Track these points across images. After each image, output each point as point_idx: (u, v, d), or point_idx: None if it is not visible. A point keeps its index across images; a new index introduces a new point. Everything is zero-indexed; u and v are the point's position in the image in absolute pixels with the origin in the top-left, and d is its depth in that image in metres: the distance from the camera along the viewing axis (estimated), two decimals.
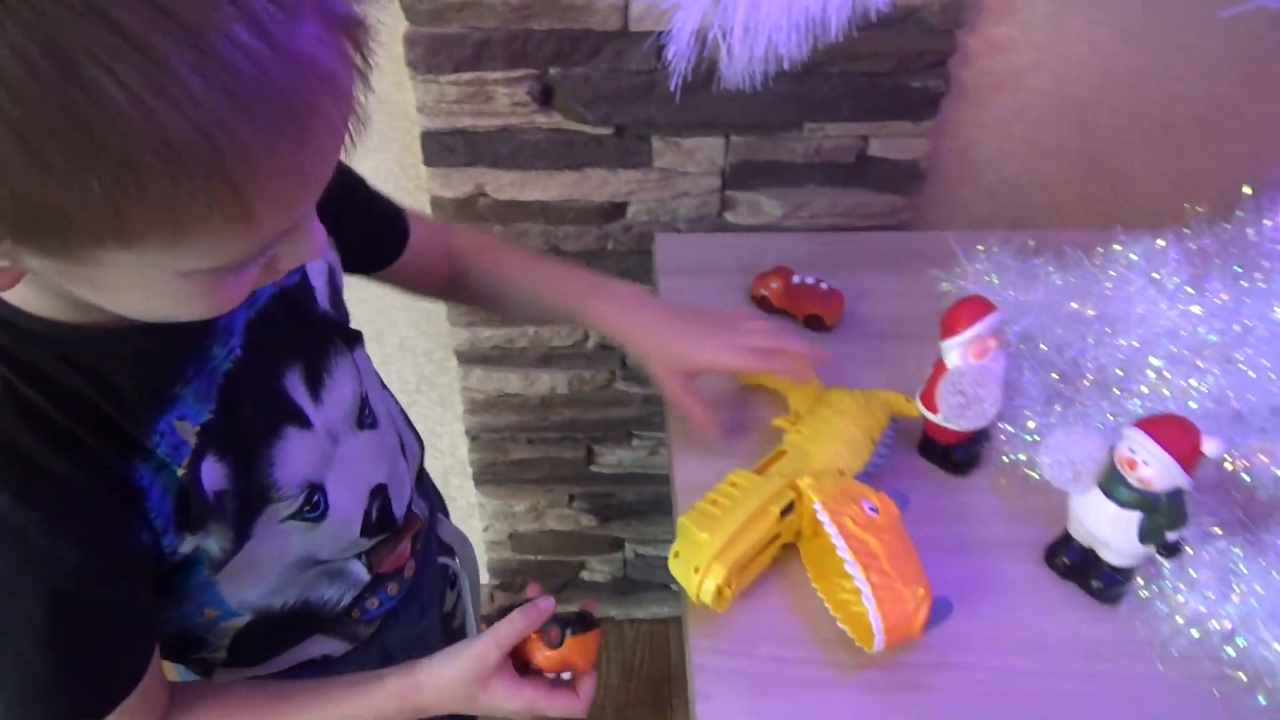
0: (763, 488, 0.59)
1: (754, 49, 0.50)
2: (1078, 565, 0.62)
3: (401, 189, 1.02)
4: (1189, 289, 0.66)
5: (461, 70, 0.91)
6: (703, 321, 0.70)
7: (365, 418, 0.63)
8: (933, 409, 0.66)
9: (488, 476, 1.29)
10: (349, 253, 0.64)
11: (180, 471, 0.49)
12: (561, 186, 1.00)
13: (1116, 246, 0.72)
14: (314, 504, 0.58)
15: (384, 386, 0.70)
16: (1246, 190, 0.75)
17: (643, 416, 1.22)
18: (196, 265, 0.39)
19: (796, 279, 0.81)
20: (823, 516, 0.56)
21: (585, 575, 1.45)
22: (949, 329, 0.64)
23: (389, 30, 0.89)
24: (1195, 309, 0.65)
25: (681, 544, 0.60)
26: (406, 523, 0.68)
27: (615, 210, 1.02)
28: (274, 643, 0.64)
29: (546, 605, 0.58)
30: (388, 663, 0.60)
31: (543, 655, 0.57)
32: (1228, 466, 0.60)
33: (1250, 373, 0.60)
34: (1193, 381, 0.61)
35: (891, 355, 0.78)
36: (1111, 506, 0.57)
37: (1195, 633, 0.57)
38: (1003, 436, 0.69)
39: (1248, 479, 0.60)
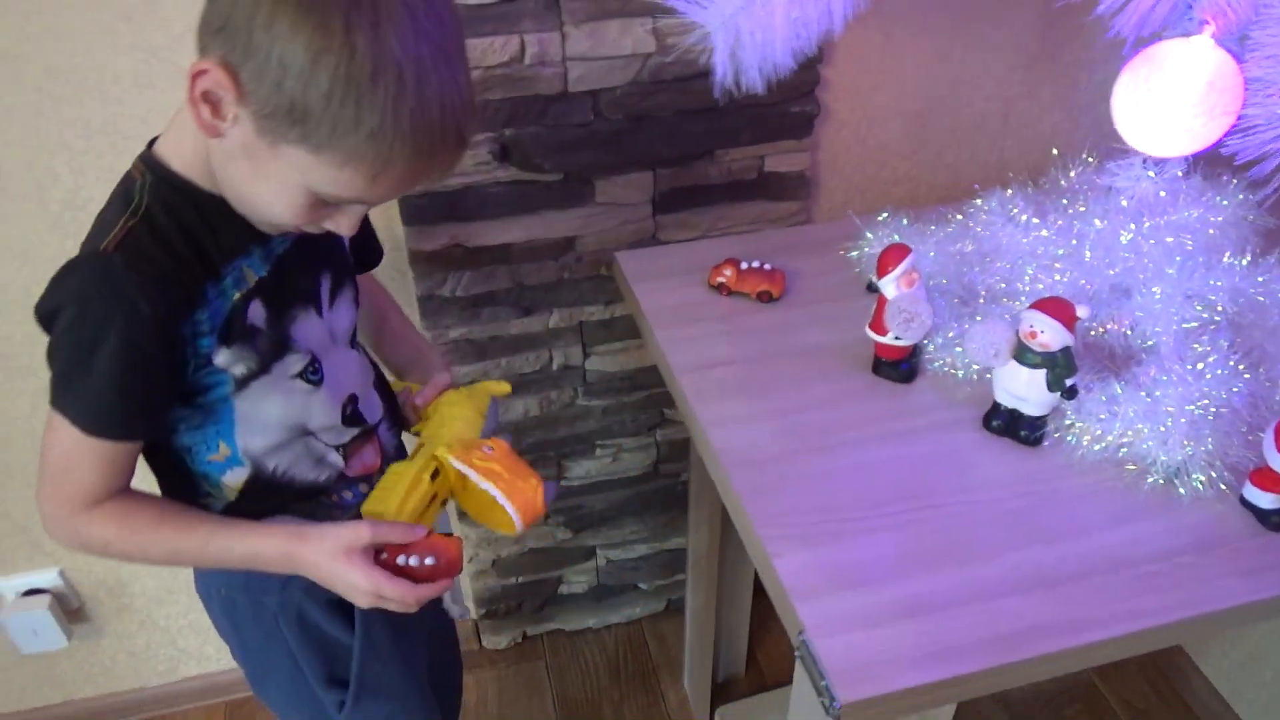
0: (412, 467, 0.78)
1: (759, 68, 0.69)
2: (1006, 424, 0.83)
3: (385, 240, 1.17)
4: (1035, 220, 0.91)
5: None
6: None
7: (353, 343, 0.83)
8: (881, 332, 0.87)
9: None
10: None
11: (236, 297, 0.69)
12: (522, 229, 1.17)
13: (978, 201, 0.97)
14: (315, 369, 0.76)
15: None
16: (1054, 152, 1.02)
17: (604, 427, 1.39)
18: (315, 186, 0.62)
19: (744, 265, 1.02)
20: (456, 463, 0.76)
21: (564, 589, 1.57)
22: (883, 269, 0.85)
23: None
24: (1044, 233, 0.90)
25: (370, 515, 0.76)
26: (373, 433, 0.83)
27: (567, 244, 1.20)
28: (261, 508, 0.77)
29: (420, 532, 0.73)
30: None
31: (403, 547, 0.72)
32: (1093, 333, 0.84)
33: (1091, 267, 0.85)
34: (1056, 278, 0.85)
35: (828, 312, 0.99)
36: (1024, 370, 0.80)
37: (1097, 448, 0.79)
38: (930, 349, 0.91)
39: (1108, 339, 0.84)
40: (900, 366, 0.90)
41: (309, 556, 0.70)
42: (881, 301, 0.87)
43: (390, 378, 0.92)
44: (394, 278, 1.19)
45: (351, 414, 0.81)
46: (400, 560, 0.73)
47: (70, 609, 1.37)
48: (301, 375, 0.75)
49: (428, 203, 1.12)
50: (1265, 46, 0.54)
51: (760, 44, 0.67)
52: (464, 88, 0.62)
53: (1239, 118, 0.59)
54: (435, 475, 0.77)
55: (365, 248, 0.89)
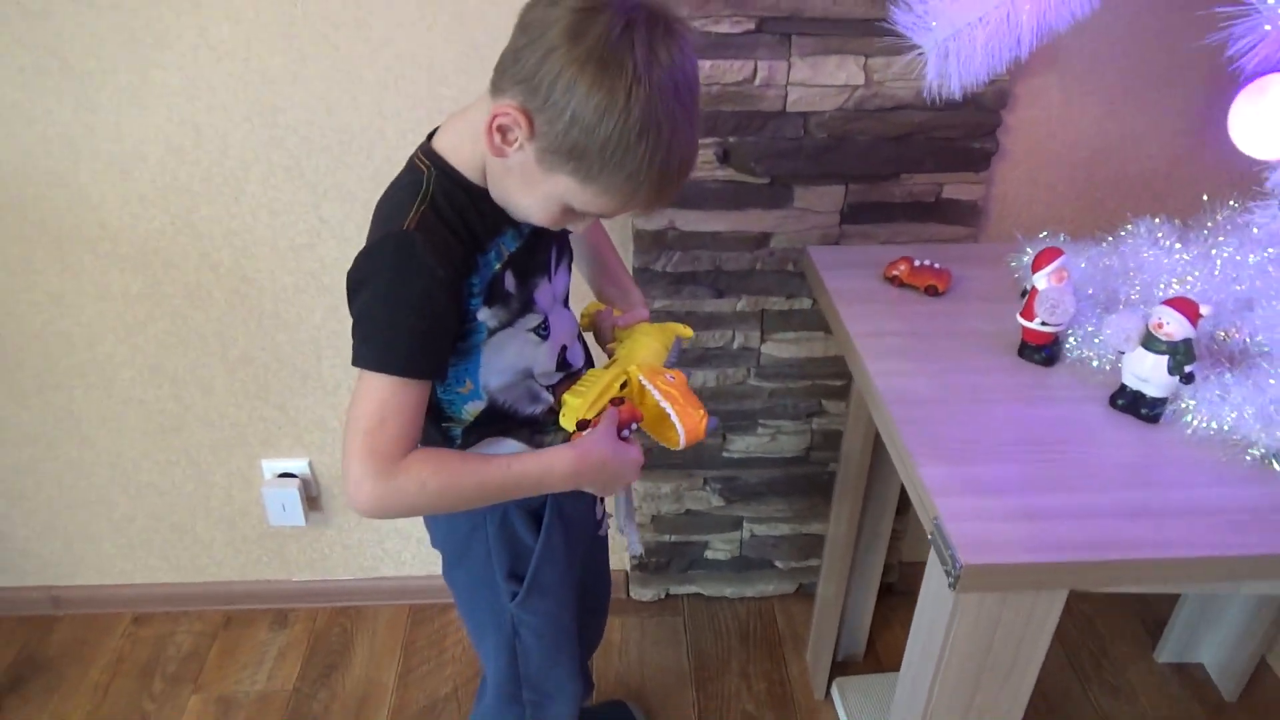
0: (607, 374, 0.98)
1: (960, 82, 0.90)
2: (1130, 402, 0.99)
3: (613, 223, 1.43)
4: (1178, 245, 1.07)
5: None
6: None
7: (565, 304, 1.03)
8: (1029, 318, 1.05)
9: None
10: None
11: (496, 268, 0.88)
12: (728, 221, 1.41)
13: (1128, 226, 1.13)
14: (545, 326, 0.96)
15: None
16: (1205, 197, 1.17)
17: (768, 408, 1.59)
18: (573, 204, 0.83)
19: (917, 262, 1.22)
20: (644, 381, 0.96)
21: (708, 554, 1.77)
22: (1038, 265, 1.03)
23: None
24: (1183, 256, 1.06)
25: (567, 406, 0.96)
26: (576, 376, 1.02)
27: (763, 239, 1.43)
28: (489, 432, 0.97)
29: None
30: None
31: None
32: (1217, 337, 1.00)
33: (1220, 282, 1.00)
34: (1187, 287, 1.01)
35: (985, 308, 1.17)
36: (1150, 356, 0.96)
37: (1207, 426, 0.94)
38: (1071, 342, 1.08)
39: (1229, 344, 0.99)
40: (1043, 351, 1.07)
41: (594, 458, 0.89)
42: (1033, 293, 1.05)
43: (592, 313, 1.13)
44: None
45: (561, 361, 1.01)
46: (623, 433, 0.95)
47: (310, 495, 1.67)
48: (535, 330, 0.95)
49: None
50: None
51: (963, 62, 0.88)
52: (695, 144, 0.83)
53: None
54: (623, 385, 0.99)
55: None
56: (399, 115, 1.33)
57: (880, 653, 1.73)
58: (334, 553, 1.76)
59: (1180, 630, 1.69)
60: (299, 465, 1.64)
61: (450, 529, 1.07)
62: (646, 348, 1.03)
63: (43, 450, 1.59)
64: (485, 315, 0.89)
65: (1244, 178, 1.08)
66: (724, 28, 1.26)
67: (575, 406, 0.95)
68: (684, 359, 1.52)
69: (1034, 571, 0.82)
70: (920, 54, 0.91)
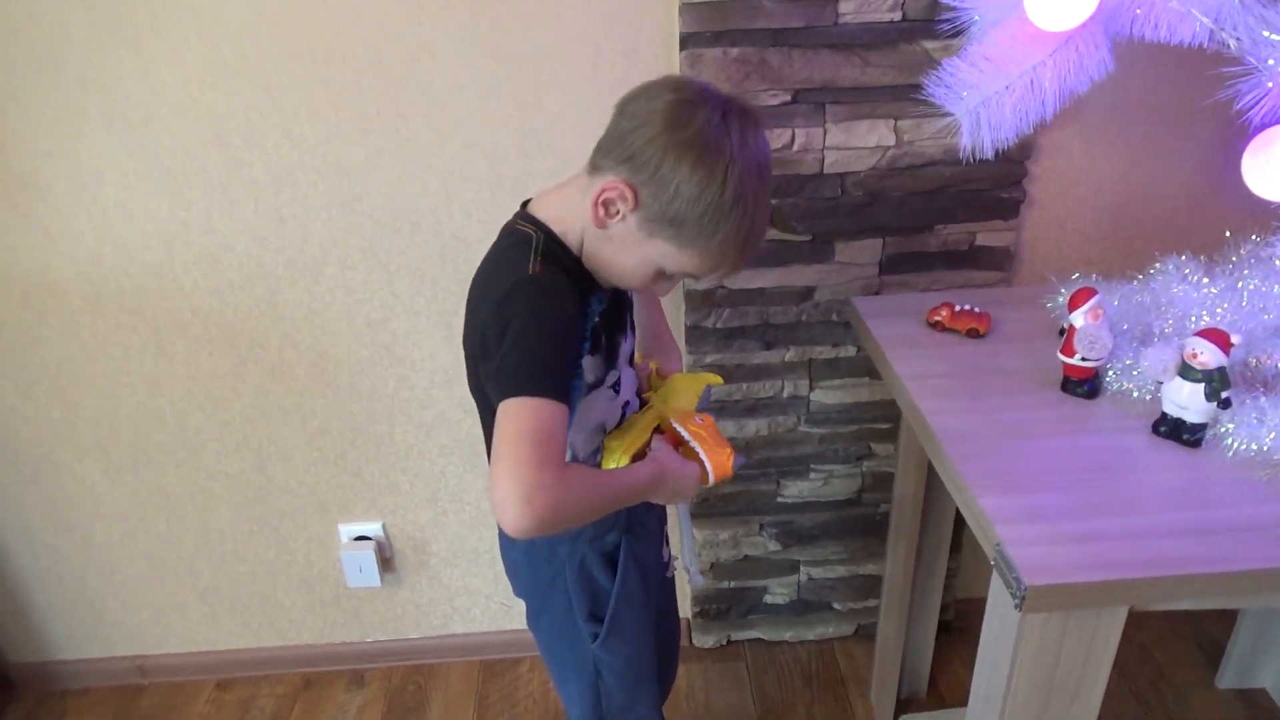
0: (644, 419, 1.06)
1: (992, 142, 0.99)
2: (1171, 429, 1.05)
3: None
4: (1205, 279, 1.14)
5: None
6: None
7: (630, 364, 1.09)
8: (1070, 355, 1.12)
9: (701, 511, 1.71)
10: None
11: (596, 320, 0.97)
12: (774, 277, 1.49)
13: (1157, 264, 1.21)
14: (617, 385, 1.04)
15: None
16: (1228, 234, 1.24)
17: (819, 453, 1.66)
18: (667, 267, 0.94)
19: (957, 307, 1.29)
20: (676, 424, 1.04)
21: (767, 598, 1.82)
22: (1074, 304, 1.11)
23: None
24: (1212, 290, 1.13)
25: (607, 449, 1.03)
26: None
27: (808, 292, 1.51)
28: None
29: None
30: (622, 518, 1.08)
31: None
32: (1250, 363, 1.06)
33: (1249, 312, 1.07)
34: (1218, 318, 1.08)
35: (1025, 348, 1.24)
36: (1187, 385, 1.02)
37: (1247, 448, 1.00)
38: (1110, 375, 1.14)
39: (1262, 370, 1.05)
40: (1085, 385, 1.14)
41: (666, 464, 1.00)
42: (1071, 330, 1.12)
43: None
44: (670, 309, 1.53)
45: (622, 417, 1.08)
46: None
47: (384, 557, 1.75)
48: (612, 386, 1.03)
49: None
50: None
51: (994, 127, 0.97)
52: (769, 215, 0.96)
53: None
54: (658, 430, 1.07)
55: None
56: (463, 196, 1.44)
57: (942, 690, 1.76)
58: (406, 612, 1.83)
59: (1240, 655, 1.71)
60: (373, 528, 1.72)
61: (533, 579, 1.14)
62: (679, 394, 1.12)
63: (134, 524, 1.69)
64: (588, 364, 0.97)
65: (1263, 214, 1.15)
66: (763, 100, 1.36)
67: (615, 448, 1.03)
68: (736, 409, 1.60)
69: (1094, 590, 0.87)
70: (954, 120, 1.00)
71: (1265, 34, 0.83)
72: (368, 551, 1.71)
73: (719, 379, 1.18)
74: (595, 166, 0.93)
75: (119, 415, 1.58)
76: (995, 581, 0.98)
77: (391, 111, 1.37)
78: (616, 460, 1.02)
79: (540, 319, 0.89)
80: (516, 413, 0.85)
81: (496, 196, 1.43)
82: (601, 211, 0.91)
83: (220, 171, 1.40)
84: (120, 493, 1.65)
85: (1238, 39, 0.85)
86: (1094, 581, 0.87)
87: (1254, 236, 1.19)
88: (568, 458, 1.03)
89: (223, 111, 1.35)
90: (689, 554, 1.26)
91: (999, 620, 1.00)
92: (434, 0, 1.30)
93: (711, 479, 1.04)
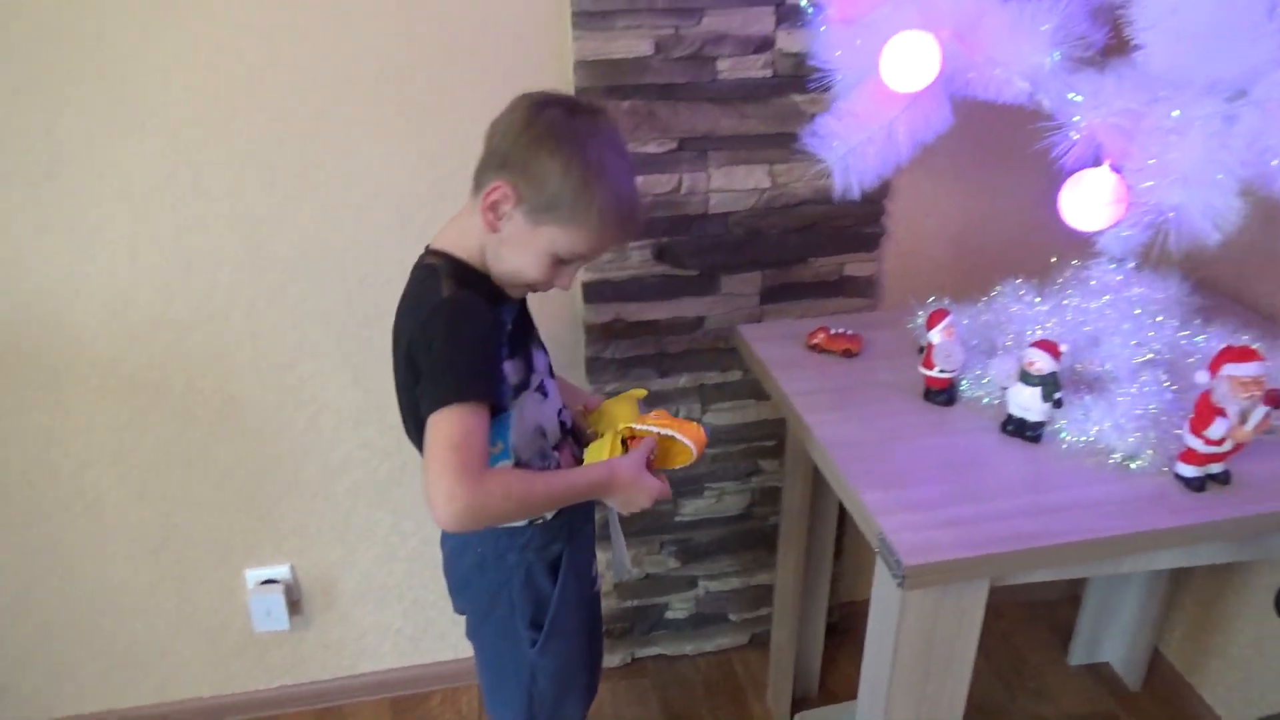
0: (608, 441, 1.14)
1: (859, 185, 1.14)
2: (1017, 428, 1.22)
3: (565, 318, 1.62)
4: (1037, 299, 1.33)
5: None
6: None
7: (551, 376, 1.20)
8: (930, 368, 1.28)
9: (606, 534, 1.79)
10: None
11: (509, 328, 1.09)
12: (667, 310, 1.62)
13: (997, 288, 1.39)
14: (545, 388, 1.14)
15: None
16: (1054, 260, 1.44)
17: (712, 471, 1.78)
18: (559, 251, 1.03)
19: (833, 330, 1.45)
20: (641, 426, 1.15)
21: (668, 614, 1.93)
22: (931, 324, 1.27)
23: None
24: (1042, 307, 1.32)
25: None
26: (568, 438, 1.21)
27: (698, 322, 1.64)
28: None
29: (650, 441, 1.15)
30: (565, 528, 1.18)
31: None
32: (1075, 369, 1.25)
33: (1072, 325, 1.26)
34: (1048, 331, 1.26)
35: (892, 364, 1.40)
36: (1027, 389, 1.19)
37: (1078, 440, 1.18)
38: (964, 386, 1.31)
39: (1085, 373, 1.24)
40: (943, 394, 1.30)
41: (623, 473, 1.09)
42: (930, 347, 1.28)
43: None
44: (568, 343, 1.63)
45: (563, 422, 1.20)
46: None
47: (292, 600, 1.76)
48: (538, 389, 1.14)
49: (603, 288, 1.58)
50: (1133, 170, 0.98)
51: (860, 171, 1.13)
52: (635, 189, 1.08)
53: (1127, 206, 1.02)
54: (624, 444, 1.16)
55: None
56: (371, 241, 1.50)
57: (832, 688, 1.90)
58: (314, 654, 1.83)
59: (1085, 634, 1.93)
60: (281, 571, 1.73)
61: (477, 590, 1.22)
62: (619, 413, 1.22)
63: (25, 584, 1.64)
64: (509, 368, 1.07)
65: (1080, 243, 1.35)
66: (652, 148, 1.49)
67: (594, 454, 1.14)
68: None
69: (961, 566, 1.02)
70: (825, 166, 1.15)
71: (1070, 96, 1.01)
72: (276, 594, 1.72)
73: (643, 390, 1.28)
74: (478, 185, 1.06)
75: (9, 471, 1.55)
76: (879, 568, 1.12)
77: (300, 161, 1.42)
78: None
79: (458, 334, 1.00)
80: (437, 423, 0.97)
81: (403, 241, 1.48)
82: (492, 215, 1.03)
83: (125, 223, 1.41)
84: (8, 552, 1.61)
85: (1050, 99, 1.03)
86: (961, 558, 1.02)
87: (1074, 262, 1.39)
88: (511, 461, 1.10)
89: (129, 164, 1.38)
90: (621, 557, 1.35)
91: (884, 602, 1.13)
92: (343, 57, 1.38)
93: (695, 452, 1.14)
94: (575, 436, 1.24)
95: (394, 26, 1.38)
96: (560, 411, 1.20)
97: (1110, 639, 1.92)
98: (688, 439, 1.14)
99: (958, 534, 1.05)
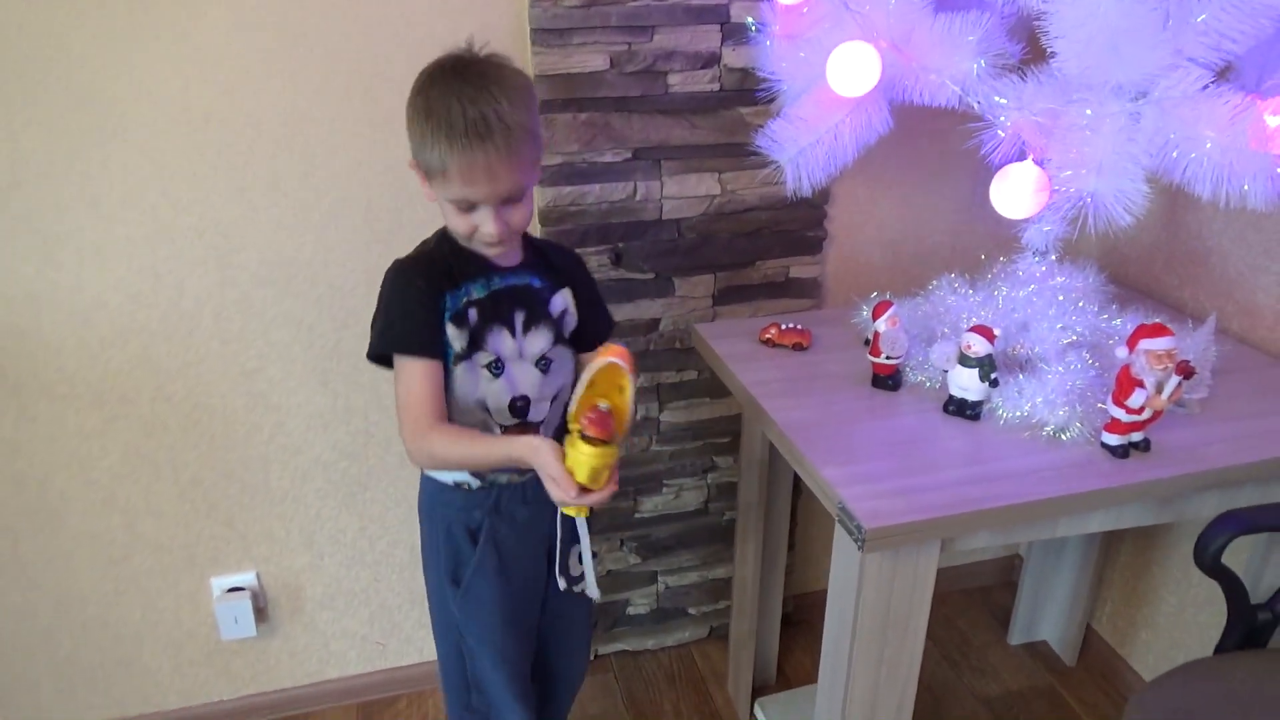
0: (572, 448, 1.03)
1: (809, 183, 1.24)
2: (958, 407, 1.32)
3: None
4: (970, 290, 1.44)
5: (572, 248, 1.62)
6: None
7: (540, 364, 1.20)
8: (877, 355, 1.38)
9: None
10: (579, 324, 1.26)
11: (463, 301, 1.14)
12: (625, 312, 1.69)
13: (934, 282, 1.50)
14: (498, 367, 1.17)
15: (568, 393, 1.22)
16: (983, 256, 1.56)
17: (670, 468, 1.86)
18: (449, 197, 1.08)
19: (784, 326, 1.54)
20: (575, 410, 1.04)
21: (630, 610, 1.98)
22: (877, 314, 1.37)
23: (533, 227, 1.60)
24: (975, 298, 1.43)
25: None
26: (534, 430, 1.21)
27: (654, 324, 1.72)
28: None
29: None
30: (490, 500, 1.24)
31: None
32: (1008, 352, 1.35)
33: (1003, 312, 1.37)
34: (982, 319, 1.37)
35: (840, 356, 1.50)
36: (965, 371, 1.30)
37: (1012, 415, 1.29)
38: (907, 371, 1.41)
39: (1017, 355, 1.35)
40: (890, 380, 1.40)
41: (544, 451, 1.05)
42: (876, 336, 1.38)
43: None
44: None
45: (520, 408, 1.20)
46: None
47: (257, 607, 1.77)
48: (488, 367, 1.17)
49: None
50: (1054, 162, 1.09)
51: (810, 171, 1.22)
52: (479, 108, 1.02)
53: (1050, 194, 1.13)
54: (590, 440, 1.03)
55: (590, 325, 1.28)
56: (339, 248, 1.55)
57: (789, 675, 1.98)
58: (280, 662, 1.84)
59: (1022, 614, 2.05)
60: (247, 578, 1.75)
61: (427, 541, 1.31)
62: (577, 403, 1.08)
63: None
64: (451, 334, 1.14)
65: (1006, 240, 1.47)
66: (608, 158, 1.58)
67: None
68: None
69: (915, 529, 1.11)
70: (778, 166, 1.24)
71: (996, 99, 1.12)
72: (244, 601, 1.73)
73: (611, 357, 1.06)
74: None
75: None
76: (839, 538, 1.20)
77: (268, 172, 1.47)
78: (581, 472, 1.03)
79: (392, 294, 1.15)
80: (397, 382, 1.14)
81: (370, 247, 1.55)
82: (425, 189, 1.12)
83: (94, 232, 1.44)
84: None
85: (979, 102, 1.14)
86: (914, 521, 1.10)
87: (1001, 258, 1.51)
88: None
89: (96, 174, 1.41)
90: (588, 574, 1.31)
91: (843, 572, 1.22)
92: (312, 72, 1.43)
93: (625, 366, 1.03)
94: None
95: (359, 43, 1.44)
96: (527, 402, 1.21)
97: (1046, 618, 2.04)
98: (610, 356, 1.03)
99: (909, 501, 1.13)
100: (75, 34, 1.33)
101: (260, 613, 1.78)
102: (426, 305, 1.13)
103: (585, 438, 1.01)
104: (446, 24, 1.46)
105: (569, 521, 1.19)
